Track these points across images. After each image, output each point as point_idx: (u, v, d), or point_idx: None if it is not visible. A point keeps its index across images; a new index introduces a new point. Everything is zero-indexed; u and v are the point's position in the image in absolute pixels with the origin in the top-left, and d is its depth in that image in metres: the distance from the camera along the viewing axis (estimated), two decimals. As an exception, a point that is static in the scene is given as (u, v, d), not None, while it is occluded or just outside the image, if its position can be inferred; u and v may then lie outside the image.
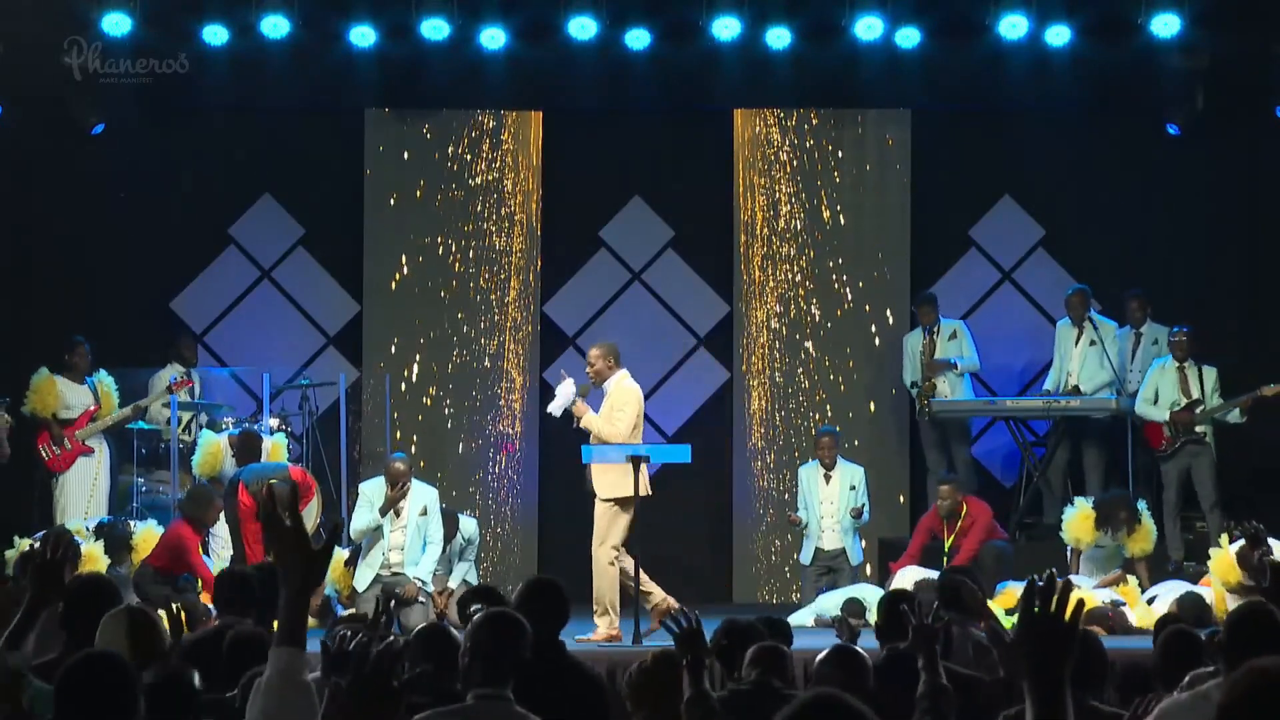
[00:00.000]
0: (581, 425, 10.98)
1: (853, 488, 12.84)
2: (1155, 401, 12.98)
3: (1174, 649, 5.92)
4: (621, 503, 10.74)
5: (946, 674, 5.39)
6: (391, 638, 3.87)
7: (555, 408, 11.03)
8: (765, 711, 4.62)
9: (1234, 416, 12.86)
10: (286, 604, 3.39)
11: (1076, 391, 13.22)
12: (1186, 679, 5.28)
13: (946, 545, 12.30)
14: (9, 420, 12.15)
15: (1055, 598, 2.94)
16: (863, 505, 12.81)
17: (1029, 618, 2.93)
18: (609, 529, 10.74)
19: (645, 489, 10.82)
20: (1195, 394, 12.90)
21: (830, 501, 12.82)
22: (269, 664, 3.38)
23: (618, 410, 10.84)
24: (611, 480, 10.76)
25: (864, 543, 13.14)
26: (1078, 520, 12.00)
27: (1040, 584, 2.96)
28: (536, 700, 5.01)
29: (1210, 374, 12.91)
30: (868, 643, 7.50)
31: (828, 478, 12.88)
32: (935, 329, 13.71)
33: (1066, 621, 2.94)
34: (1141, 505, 12.12)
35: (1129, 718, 5.33)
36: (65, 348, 12.90)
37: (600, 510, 10.76)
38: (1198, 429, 12.88)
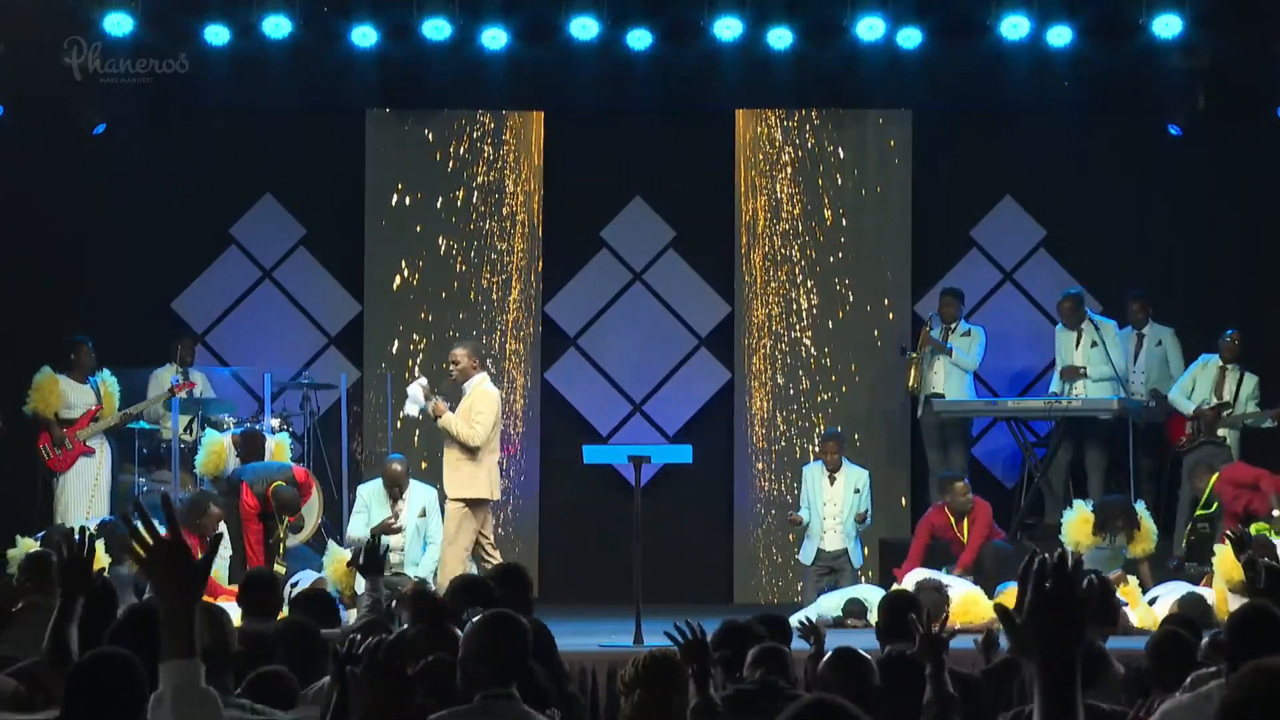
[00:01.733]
0: (440, 425, 10.88)
1: (857, 491, 12.83)
2: (1190, 395, 13.07)
3: (1167, 652, 5.91)
4: (471, 504, 10.75)
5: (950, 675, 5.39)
6: (404, 628, 3.88)
7: (411, 409, 11.02)
8: (770, 711, 4.62)
9: (1267, 423, 12.98)
10: (171, 617, 3.29)
11: (1079, 374, 13.21)
12: (1189, 680, 5.27)
13: (965, 541, 12.31)
14: (2, 429, 12.17)
15: (1066, 573, 2.91)
16: (866, 510, 12.81)
17: (1040, 594, 2.90)
18: (458, 530, 10.75)
19: (495, 492, 10.93)
20: (1228, 397, 12.97)
21: (834, 503, 12.81)
22: (162, 680, 3.27)
23: (477, 414, 10.81)
24: (462, 480, 10.74)
25: (865, 549, 13.13)
26: (1077, 523, 12.00)
27: (1051, 560, 2.93)
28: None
29: (1250, 381, 13.01)
30: (868, 643, 7.51)
31: (832, 479, 12.87)
32: (954, 325, 13.69)
33: (1077, 598, 2.92)
34: (1140, 506, 12.12)
35: (1130, 718, 5.33)
36: (68, 348, 12.92)
37: (450, 510, 10.73)
38: (1220, 432, 12.93)
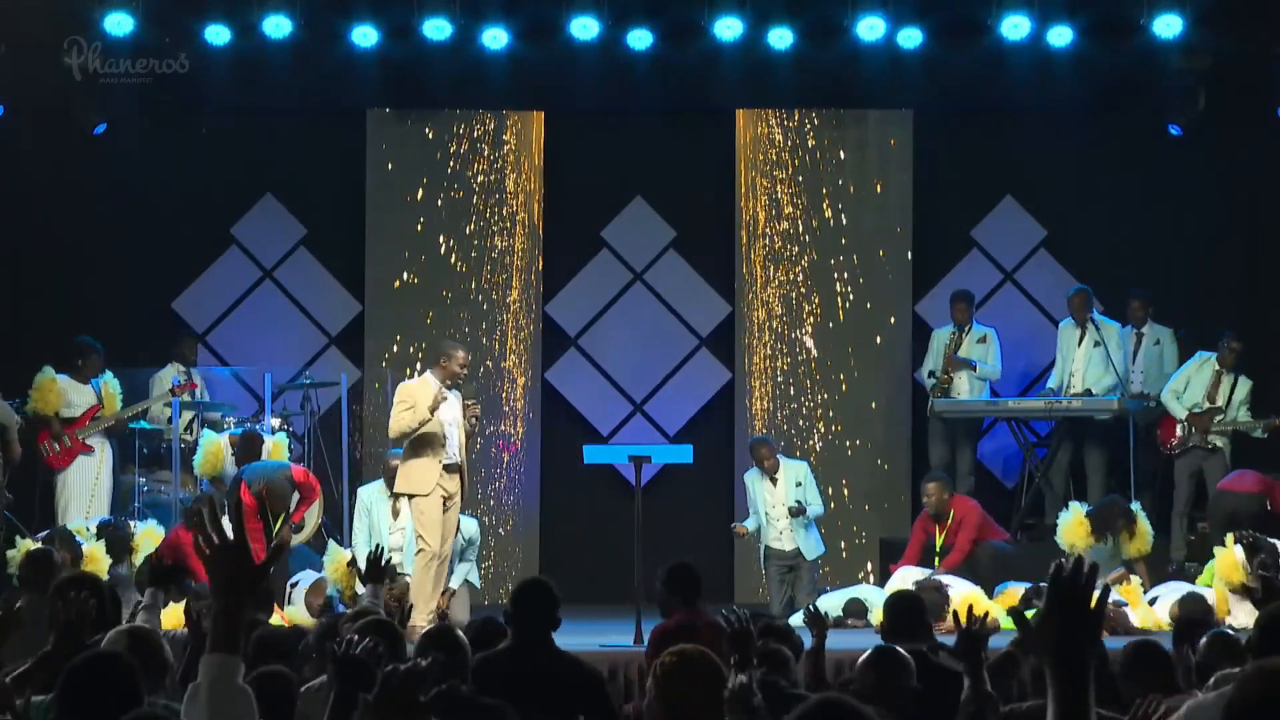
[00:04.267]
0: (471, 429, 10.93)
1: (799, 484, 12.75)
2: (1182, 394, 13.03)
3: (1141, 661, 5.94)
4: None
5: (939, 668, 5.40)
6: (420, 663, 3.91)
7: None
8: (772, 709, 4.62)
9: (1258, 432, 12.95)
10: (220, 613, 3.40)
11: (1087, 394, 13.19)
12: (1213, 679, 5.29)
13: (938, 544, 12.28)
14: (19, 420, 12.16)
15: (1084, 579, 2.93)
16: (799, 501, 12.70)
17: (1056, 599, 2.92)
18: None
19: None
20: (1221, 402, 12.95)
21: (779, 504, 12.73)
22: (202, 672, 3.36)
23: None
24: None
25: (864, 540, 13.10)
26: (1073, 525, 11.99)
27: (1068, 567, 2.96)
28: (531, 698, 5.06)
29: (1244, 385, 12.97)
30: (860, 642, 7.51)
31: (773, 480, 12.80)
32: (966, 328, 13.69)
33: (1094, 606, 2.94)
34: (1136, 506, 12.12)
35: (1130, 718, 5.33)
36: (78, 352, 12.88)
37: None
38: (1210, 437, 12.91)
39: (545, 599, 6.34)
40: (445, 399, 10.59)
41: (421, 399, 10.57)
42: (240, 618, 3.41)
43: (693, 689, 4.66)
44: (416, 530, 10.67)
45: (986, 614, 5.44)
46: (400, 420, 10.58)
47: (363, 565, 11.54)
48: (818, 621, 7.19)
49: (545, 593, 6.39)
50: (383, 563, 7.66)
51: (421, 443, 10.59)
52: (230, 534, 3.44)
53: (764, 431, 14.31)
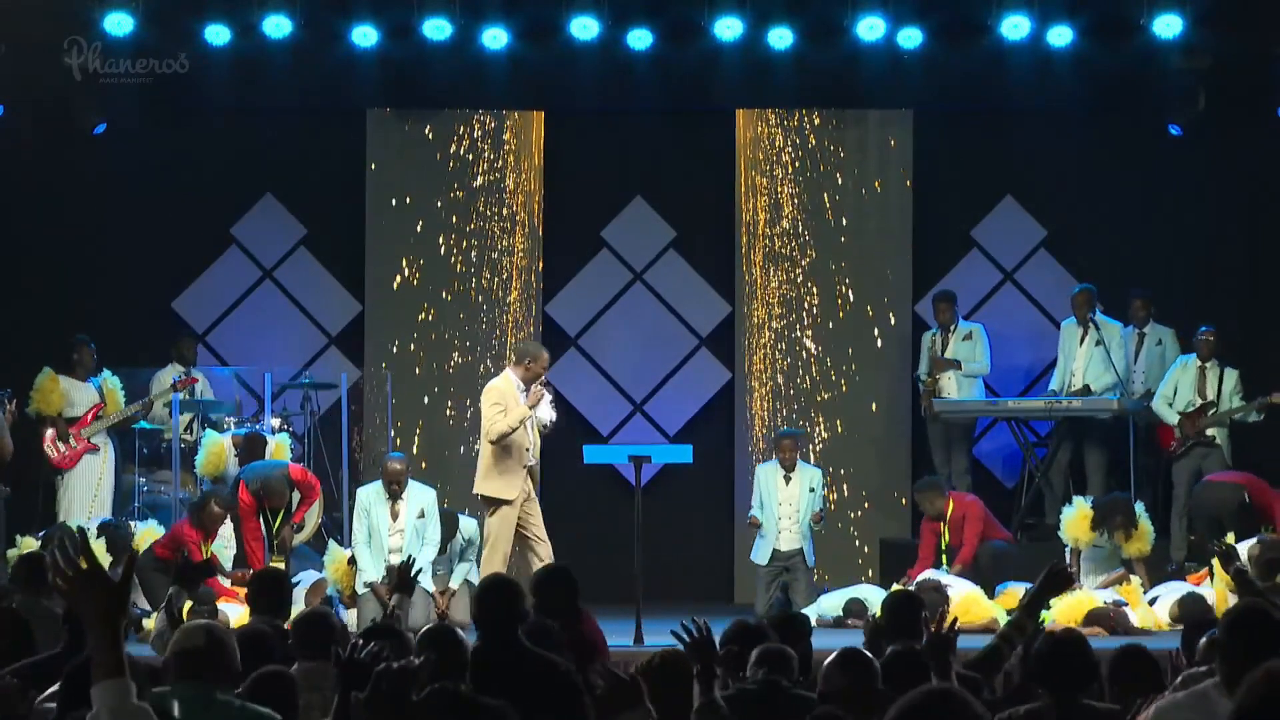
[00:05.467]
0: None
1: (812, 490, 12.75)
2: (1173, 400, 13.02)
3: (1128, 664, 5.93)
4: None
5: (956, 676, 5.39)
6: (414, 661, 3.90)
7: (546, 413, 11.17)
8: (775, 710, 4.62)
9: (1253, 416, 12.93)
10: (96, 638, 3.36)
11: (1086, 391, 13.19)
12: (1179, 679, 5.29)
13: (944, 544, 12.29)
14: (13, 413, 12.14)
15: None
16: (821, 510, 12.73)
17: None
18: None
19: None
20: (1211, 395, 12.94)
21: (790, 503, 12.74)
22: (96, 701, 3.33)
23: None
24: None
25: (869, 543, 13.10)
26: (1076, 519, 11.99)
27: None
28: (499, 693, 5.07)
29: (1231, 376, 12.96)
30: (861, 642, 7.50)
31: (787, 479, 12.80)
32: (952, 327, 13.69)
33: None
34: (1139, 507, 12.12)
35: (1130, 717, 5.34)
36: (69, 348, 12.95)
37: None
38: (1208, 432, 12.90)
39: (509, 597, 6.33)
40: (535, 408, 11.03)
41: (511, 399, 10.96)
42: (118, 639, 3.36)
43: (678, 690, 4.66)
44: (493, 533, 10.92)
45: (955, 619, 5.45)
46: (498, 424, 10.98)
47: (362, 565, 11.63)
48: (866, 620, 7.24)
49: (509, 590, 6.38)
50: (412, 573, 7.75)
51: (509, 447, 10.99)
52: (85, 563, 3.38)
53: (765, 431, 14.32)
